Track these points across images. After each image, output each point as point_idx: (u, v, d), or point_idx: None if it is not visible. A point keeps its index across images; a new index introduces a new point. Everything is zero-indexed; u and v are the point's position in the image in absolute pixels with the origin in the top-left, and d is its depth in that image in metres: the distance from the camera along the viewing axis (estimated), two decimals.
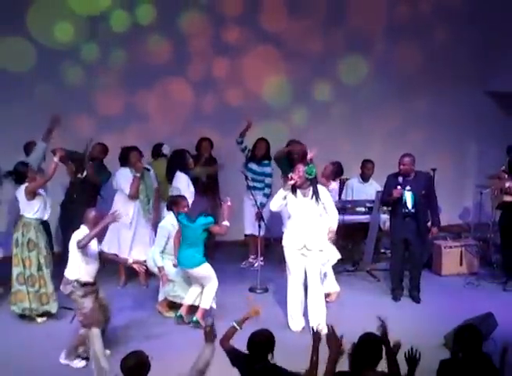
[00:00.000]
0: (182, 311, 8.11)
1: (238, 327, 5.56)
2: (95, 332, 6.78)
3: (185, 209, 8.23)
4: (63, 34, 10.07)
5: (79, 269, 6.91)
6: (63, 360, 7.06)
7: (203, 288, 8.07)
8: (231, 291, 8.49)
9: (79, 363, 7.06)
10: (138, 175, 9.03)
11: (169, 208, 8.37)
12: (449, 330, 7.38)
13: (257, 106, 11.09)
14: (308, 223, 7.76)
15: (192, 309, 8.13)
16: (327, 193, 7.89)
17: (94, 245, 6.98)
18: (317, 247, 7.80)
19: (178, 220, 8.11)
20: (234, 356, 5.36)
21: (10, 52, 9.94)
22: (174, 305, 8.40)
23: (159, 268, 8.25)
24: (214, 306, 8.12)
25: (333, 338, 5.04)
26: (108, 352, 7.02)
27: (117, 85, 10.48)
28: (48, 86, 10.08)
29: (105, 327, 7.16)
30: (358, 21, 11.32)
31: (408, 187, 8.65)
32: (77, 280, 6.90)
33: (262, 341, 5.20)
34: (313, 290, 7.89)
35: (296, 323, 8.00)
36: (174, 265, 8.24)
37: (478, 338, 5.29)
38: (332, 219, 7.90)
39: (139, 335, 7.75)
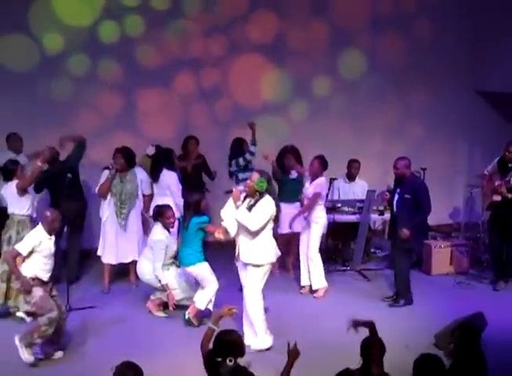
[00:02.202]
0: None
1: (215, 327, 5.55)
2: (43, 319, 6.85)
3: (171, 220, 8.30)
4: (52, 44, 10.15)
5: (33, 266, 6.97)
6: (17, 342, 6.94)
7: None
8: (220, 291, 8.46)
9: (29, 358, 6.94)
10: (109, 176, 9.01)
11: (155, 219, 8.41)
12: (439, 329, 7.39)
13: (255, 105, 11.13)
14: (243, 234, 7.35)
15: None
16: (267, 209, 7.22)
17: (49, 244, 7.03)
18: (248, 260, 7.35)
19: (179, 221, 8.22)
20: (209, 360, 5.29)
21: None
22: (164, 305, 8.38)
23: (163, 286, 8.21)
24: (211, 308, 8.10)
25: (295, 351, 5.14)
26: (61, 353, 7.13)
27: (105, 96, 10.50)
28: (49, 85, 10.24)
29: (59, 326, 7.12)
30: (343, 17, 11.35)
31: (398, 190, 8.63)
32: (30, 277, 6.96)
33: (226, 341, 5.17)
34: (244, 303, 7.46)
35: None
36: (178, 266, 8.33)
37: (477, 337, 5.31)
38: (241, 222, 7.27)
39: (128, 335, 7.73)
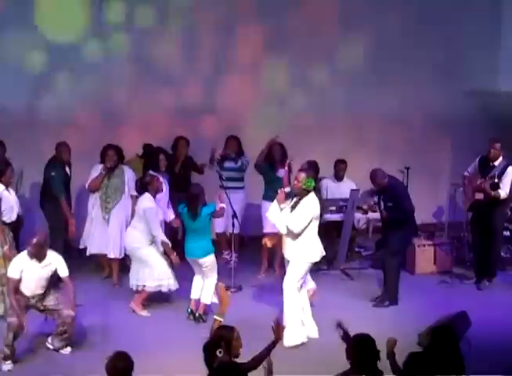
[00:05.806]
0: (192, 307, 8.18)
1: (220, 319, 5.60)
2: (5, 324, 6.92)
3: (159, 181, 8.41)
4: (34, 61, 10.13)
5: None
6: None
7: (205, 280, 8.19)
8: None
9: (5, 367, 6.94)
10: (103, 172, 9.10)
11: (143, 190, 8.35)
12: (423, 329, 7.38)
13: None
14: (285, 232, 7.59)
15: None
16: (310, 208, 7.45)
17: (32, 267, 7.02)
18: (290, 257, 7.59)
19: (181, 214, 8.23)
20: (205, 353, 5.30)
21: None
22: (148, 304, 8.38)
23: (167, 246, 8.22)
24: (216, 300, 7.99)
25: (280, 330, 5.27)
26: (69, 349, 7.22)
27: (91, 112, 10.45)
28: None
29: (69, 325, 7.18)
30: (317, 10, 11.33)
31: (382, 197, 8.84)
32: None
33: (216, 336, 5.20)
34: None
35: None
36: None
37: (454, 341, 5.32)
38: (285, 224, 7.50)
39: (113, 334, 7.68)
